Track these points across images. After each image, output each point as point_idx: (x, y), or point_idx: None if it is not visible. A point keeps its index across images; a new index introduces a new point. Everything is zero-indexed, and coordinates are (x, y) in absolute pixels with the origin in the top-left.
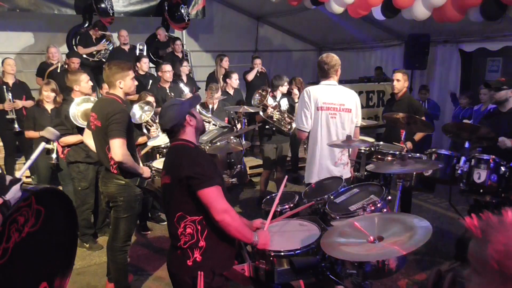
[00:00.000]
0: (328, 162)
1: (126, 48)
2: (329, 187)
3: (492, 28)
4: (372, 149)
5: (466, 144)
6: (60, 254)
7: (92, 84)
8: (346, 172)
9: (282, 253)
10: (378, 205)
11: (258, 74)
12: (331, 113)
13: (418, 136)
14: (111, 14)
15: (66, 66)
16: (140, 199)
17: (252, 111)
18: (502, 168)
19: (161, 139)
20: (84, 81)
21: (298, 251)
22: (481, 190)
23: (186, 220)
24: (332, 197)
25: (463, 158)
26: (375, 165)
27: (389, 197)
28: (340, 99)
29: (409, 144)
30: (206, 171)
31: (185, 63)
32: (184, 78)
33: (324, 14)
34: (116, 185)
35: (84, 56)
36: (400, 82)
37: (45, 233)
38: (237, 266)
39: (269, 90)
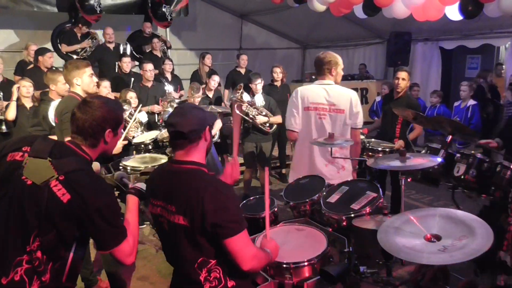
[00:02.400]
0: (319, 163)
1: (111, 46)
2: (310, 186)
3: (470, 26)
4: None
5: (449, 139)
6: None
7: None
8: (344, 175)
9: (303, 264)
10: (380, 200)
11: (243, 73)
12: (320, 113)
13: (412, 135)
14: (97, 12)
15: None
16: None
17: (220, 111)
18: (485, 165)
19: (145, 136)
20: (61, 82)
21: (318, 259)
22: (463, 185)
23: (210, 265)
24: (323, 195)
25: (441, 151)
26: (379, 160)
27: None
28: (331, 99)
29: (401, 143)
30: (234, 216)
31: (168, 62)
32: (169, 77)
33: (308, 12)
34: None
35: (68, 54)
36: (404, 81)
37: None
38: (261, 287)
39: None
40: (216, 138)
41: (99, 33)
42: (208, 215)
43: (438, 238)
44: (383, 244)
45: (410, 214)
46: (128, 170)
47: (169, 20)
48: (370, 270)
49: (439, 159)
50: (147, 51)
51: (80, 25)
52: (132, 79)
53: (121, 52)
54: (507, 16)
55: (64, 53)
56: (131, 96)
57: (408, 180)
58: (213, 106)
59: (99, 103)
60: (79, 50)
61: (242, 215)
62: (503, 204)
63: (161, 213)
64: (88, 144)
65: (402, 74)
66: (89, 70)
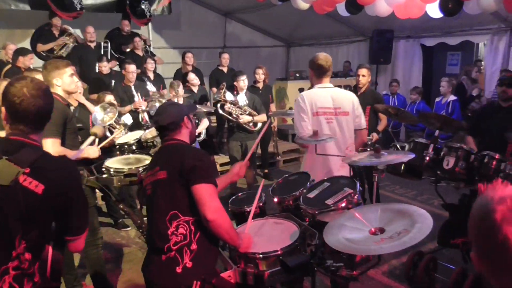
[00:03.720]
0: (334, 167)
1: (92, 45)
2: (297, 183)
3: (451, 24)
4: None
5: (436, 133)
6: None
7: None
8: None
9: (270, 254)
10: (355, 197)
11: (225, 72)
12: (327, 117)
13: (381, 126)
14: (77, 9)
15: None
16: (87, 194)
17: (205, 110)
18: (472, 157)
19: (129, 137)
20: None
21: (285, 250)
22: (453, 177)
23: (180, 220)
24: (304, 191)
25: (431, 146)
26: (350, 157)
27: (361, 188)
28: (336, 102)
29: (375, 136)
30: (208, 167)
31: (150, 61)
32: (151, 76)
33: (292, 10)
34: None
35: (45, 53)
36: (365, 77)
37: None
38: (223, 274)
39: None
40: (202, 137)
41: (78, 33)
42: (186, 161)
43: (382, 231)
44: (328, 242)
45: (354, 210)
46: (112, 172)
47: (148, 17)
48: (337, 264)
49: (413, 155)
50: (127, 50)
51: (54, 21)
52: (113, 81)
53: (102, 51)
54: (486, 13)
55: (40, 52)
56: (110, 99)
57: (382, 176)
58: (197, 106)
59: (37, 88)
60: (55, 48)
61: (215, 176)
62: None
63: (148, 181)
64: (35, 132)
65: (362, 71)
66: (69, 70)
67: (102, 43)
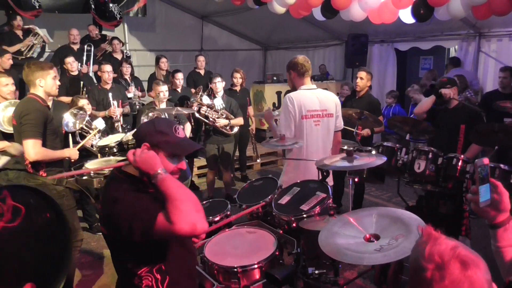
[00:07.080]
0: (315, 169)
1: (75, 47)
2: (264, 189)
3: (423, 29)
4: None
5: (408, 137)
6: (50, 259)
7: (14, 88)
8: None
9: (252, 267)
10: (330, 201)
11: (202, 74)
12: (315, 120)
13: (376, 129)
14: (37, 7)
15: None
16: (66, 195)
17: (186, 112)
18: (440, 159)
19: (109, 139)
20: (1, 84)
21: (266, 262)
22: (423, 180)
23: (141, 271)
24: (275, 197)
25: (403, 150)
26: (323, 161)
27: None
28: (323, 104)
29: (366, 131)
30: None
31: (125, 64)
32: (128, 80)
33: (269, 14)
34: (34, 185)
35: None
36: (363, 80)
37: (27, 233)
38: None
39: (202, 88)
40: None
41: (44, 33)
42: (121, 225)
43: (377, 237)
44: (324, 248)
45: (348, 215)
46: (92, 174)
47: (118, 18)
48: (319, 271)
49: (385, 158)
50: (99, 53)
51: (16, 22)
52: (82, 82)
53: (85, 54)
54: (456, 19)
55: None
56: (83, 103)
57: (356, 180)
58: (178, 108)
59: None
60: (22, 49)
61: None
62: (451, 194)
63: (101, 215)
64: None
65: (361, 74)
66: (53, 72)
67: (86, 47)
